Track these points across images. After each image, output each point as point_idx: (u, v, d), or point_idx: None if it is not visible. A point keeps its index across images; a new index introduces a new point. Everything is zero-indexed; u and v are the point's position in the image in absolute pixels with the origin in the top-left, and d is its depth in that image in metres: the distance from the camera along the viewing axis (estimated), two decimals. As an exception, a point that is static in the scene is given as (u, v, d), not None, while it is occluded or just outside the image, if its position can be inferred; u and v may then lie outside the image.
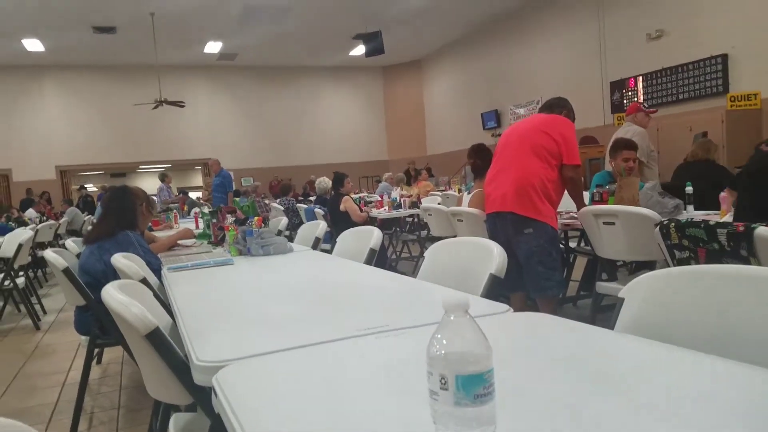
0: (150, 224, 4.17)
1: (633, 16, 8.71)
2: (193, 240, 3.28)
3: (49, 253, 2.42)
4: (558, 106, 3.07)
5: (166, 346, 1.20)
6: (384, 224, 6.16)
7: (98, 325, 2.39)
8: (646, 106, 4.69)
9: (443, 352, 0.63)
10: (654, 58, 8.39)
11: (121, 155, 13.74)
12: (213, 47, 12.43)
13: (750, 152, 3.83)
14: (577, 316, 3.67)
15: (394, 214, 6.00)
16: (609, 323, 1.15)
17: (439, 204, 5.71)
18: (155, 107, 11.29)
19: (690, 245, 1.98)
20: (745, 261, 1.81)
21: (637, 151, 3.54)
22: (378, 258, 2.32)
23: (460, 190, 7.62)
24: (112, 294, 1.27)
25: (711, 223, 1.90)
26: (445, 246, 1.88)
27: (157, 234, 3.63)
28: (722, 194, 2.76)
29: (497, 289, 1.58)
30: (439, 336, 0.64)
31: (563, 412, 0.73)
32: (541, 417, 0.72)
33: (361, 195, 9.12)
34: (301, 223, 6.55)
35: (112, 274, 2.17)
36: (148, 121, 13.12)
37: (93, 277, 2.43)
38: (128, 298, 1.24)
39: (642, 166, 4.11)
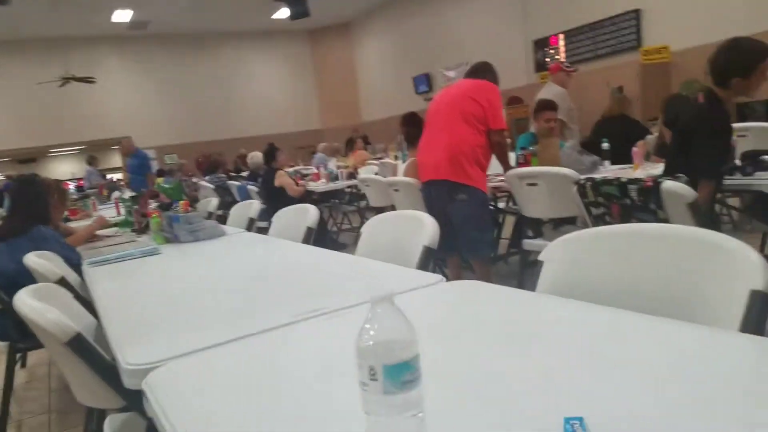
0: (66, 214, 3.91)
1: (553, -27, 8.89)
2: (115, 229, 3.11)
3: (-48, 257, 2.23)
4: (483, 70, 3.13)
5: (90, 352, 1.14)
6: (322, 197, 6.10)
7: (18, 330, 2.24)
8: (568, 65, 4.85)
9: (371, 343, 0.64)
10: (574, 15, 8.65)
11: (28, 139, 12.54)
12: (122, 16, 11.52)
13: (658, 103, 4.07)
14: (508, 273, 3.85)
15: (332, 186, 5.94)
16: (537, 278, 1.21)
17: (376, 174, 5.72)
18: (62, 85, 10.42)
19: (604, 202, 2.10)
20: (654, 213, 1.95)
21: (557, 111, 3.67)
22: (319, 232, 2.31)
23: (396, 157, 7.63)
24: (24, 300, 1.20)
25: (623, 179, 2.02)
26: (379, 221, 1.92)
27: (75, 225, 3.41)
28: (634, 149, 2.92)
29: (432, 258, 1.63)
30: (366, 327, 0.65)
31: (489, 376, 0.78)
32: (469, 381, 0.77)
33: (297, 168, 8.93)
34: (234, 201, 6.37)
35: (27, 274, 2.03)
36: (56, 101, 12.03)
37: (6, 278, 2.25)
38: (42, 303, 1.17)
39: (563, 125, 4.28)
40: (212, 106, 14.26)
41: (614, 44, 8.12)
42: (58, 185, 2.80)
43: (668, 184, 1.91)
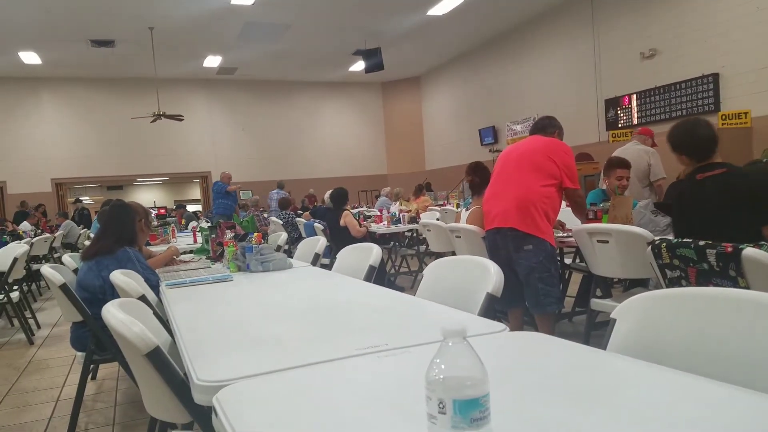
0: (147, 239, 4.18)
1: (627, 36, 8.85)
2: (191, 255, 3.29)
3: (46, 269, 2.42)
4: (551, 126, 3.15)
5: (166, 365, 1.21)
6: (383, 239, 6.18)
7: (95, 342, 2.39)
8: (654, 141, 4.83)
9: (441, 377, 0.65)
10: (647, 76, 8.52)
11: (117, 168, 13.77)
12: (212, 61, 12.53)
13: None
14: (573, 332, 3.69)
15: (393, 229, 6.03)
16: (604, 339, 1.17)
17: (437, 219, 5.75)
18: (153, 120, 11.32)
19: (681, 265, 1.99)
20: (734, 281, 1.83)
21: (629, 169, 3.58)
22: (377, 273, 2.34)
23: (458, 206, 7.65)
24: (113, 312, 1.28)
25: (700, 243, 1.92)
26: (443, 264, 1.91)
27: (155, 249, 3.64)
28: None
29: (494, 308, 1.60)
30: (437, 361, 0.66)
31: (552, 431, 0.76)
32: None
33: (360, 210, 9.13)
34: (301, 237, 6.56)
35: (111, 290, 2.19)
36: (145, 134, 13.16)
37: (91, 293, 2.44)
38: (129, 316, 1.25)
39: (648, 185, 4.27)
40: (286, 147, 15.04)
41: (690, 107, 7.88)
42: (145, 211, 3.01)
43: (750, 251, 1.79)
